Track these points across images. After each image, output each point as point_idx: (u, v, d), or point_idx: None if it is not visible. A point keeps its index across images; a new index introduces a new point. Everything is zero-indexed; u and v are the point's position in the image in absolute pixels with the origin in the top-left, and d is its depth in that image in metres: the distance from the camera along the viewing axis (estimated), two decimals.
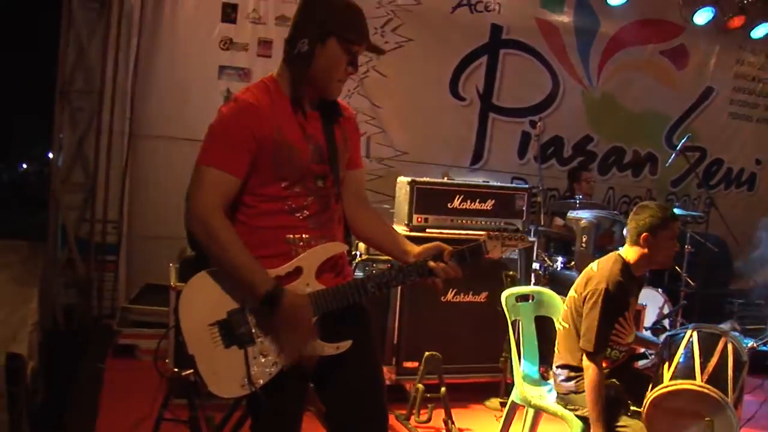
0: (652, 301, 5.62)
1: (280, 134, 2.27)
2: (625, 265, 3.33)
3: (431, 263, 2.35)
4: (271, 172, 2.27)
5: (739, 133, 8.45)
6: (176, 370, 4.16)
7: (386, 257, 4.55)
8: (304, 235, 2.32)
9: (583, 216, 5.43)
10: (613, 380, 3.29)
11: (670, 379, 2.98)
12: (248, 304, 2.25)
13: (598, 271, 3.34)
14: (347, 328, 2.36)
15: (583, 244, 5.42)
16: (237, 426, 3.63)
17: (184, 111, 6.01)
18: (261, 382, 2.22)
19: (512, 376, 3.80)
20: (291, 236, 2.30)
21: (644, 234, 3.28)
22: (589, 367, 3.17)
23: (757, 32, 7.70)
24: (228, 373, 2.21)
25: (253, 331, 2.24)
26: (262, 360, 2.23)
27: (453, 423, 4.19)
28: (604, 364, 3.27)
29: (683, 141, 6.30)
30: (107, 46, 5.68)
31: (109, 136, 5.73)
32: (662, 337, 3.66)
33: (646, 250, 3.30)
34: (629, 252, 3.36)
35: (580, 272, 5.33)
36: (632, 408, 3.13)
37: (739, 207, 8.53)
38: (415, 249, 2.43)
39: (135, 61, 5.79)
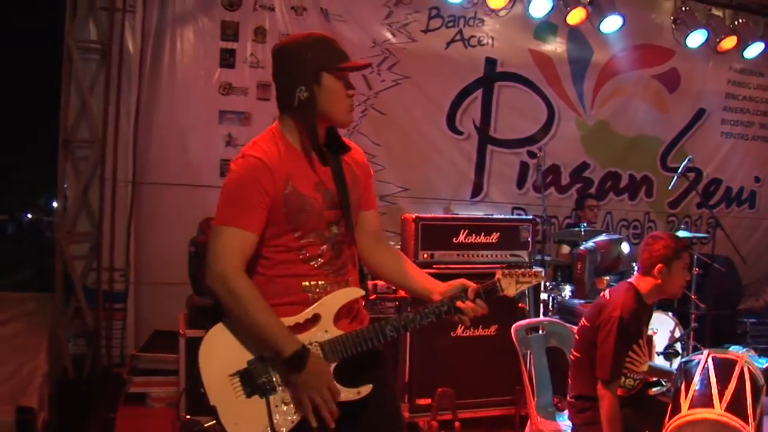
0: (662, 325, 5.61)
1: (291, 186, 2.30)
2: (638, 294, 3.35)
3: (460, 303, 2.38)
4: (285, 224, 2.30)
5: (734, 152, 8.47)
6: (188, 417, 4.17)
7: (393, 296, 4.62)
8: (320, 282, 2.34)
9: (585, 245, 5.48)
10: (629, 409, 3.29)
11: (688, 408, 2.96)
12: (267, 354, 2.27)
13: (611, 299, 3.35)
14: (367, 372, 2.38)
15: (578, 271, 5.46)
16: None
17: (187, 157, 6.07)
18: (284, 430, 2.23)
19: (526, 408, 3.79)
20: (307, 283, 2.33)
21: (659, 265, 3.30)
22: (604, 396, 3.17)
23: (750, 51, 7.75)
24: (250, 423, 2.22)
25: (274, 380, 2.26)
26: (284, 408, 2.25)
27: None
28: (619, 393, 3.28)
29: (685, 163, 6.36)
30: (108, 96, 5.71)
31: (113, 184, 5.75)
32: (675, 363, 3.66)
33: (659, 281, 3.32)
34: (641, 282, 3.38)
35: (580, 299, 5.41)
36: None
37: (742, 226, 8.54)
38: (440, 286, 2.47)
39: (136, 110, 5.82)
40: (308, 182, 2.34)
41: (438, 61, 6.87)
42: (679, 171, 6.36)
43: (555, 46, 7.34)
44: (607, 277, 5.45)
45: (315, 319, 2.31)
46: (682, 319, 5.98)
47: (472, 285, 2.42)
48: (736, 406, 2.91)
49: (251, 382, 2.24)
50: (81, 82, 5.67)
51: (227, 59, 6.18)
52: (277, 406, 2.24)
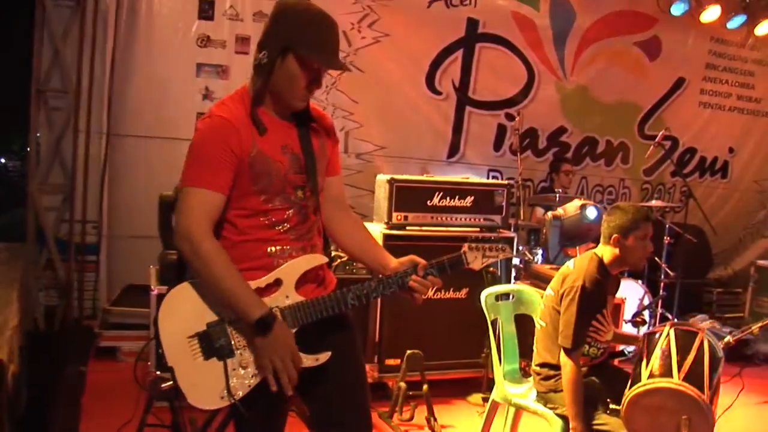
0: (631, 292, 5.70)
1: (256, 147, 2.26)
2: (601, 263, 3.38)
3: (411, 280, 2.37)
4: (250, 186, 2.27)
5: (711, 122, 8.51)
6: (158, 373, 4.20)
7: None
8: (285, 247, 2.34)
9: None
10: (592, 378, 3.35)
11: (648, 377, 3.03)
12: (228, 317, 2.26)
13: (575, 268, 3.39)
14: (328, 336, 2.38)
15: (543, 237, 5.56)
16: (220, 428, 3.66)
17: (162, 109, 6.00)
18: (240, 393, 2.24)
19: (493, 372, 3.85)
20: (272, 249, 2.32)
21: (615, 235, 3.34)
22: (566, 364, 3.22)
23: (732, 23, 7.76)
24: (207, 385, 2.22)
25: (233, 343, 2.26)
26: (242, 372, 2.25)
27: (435, 420, 4.24)
28: (582, 362, 3.34)
29: (662, 133, 6.41)
30: (83, 45, 5.61)
31: (87, 135, 5.69)
32: (642, 330, 3.71)
33: (617, 251, 3.35)
34: (604, 251, 3.41)
35: (549, 263, 5.47)
36: (611, 405, 3.19)
37: (714, 195, 8.65)
38: (392, 262, 2.46)
39: (111, 60, 5.73)
40: (275, 145, 2.31)
41: (419, 20, 6.81)
42: (655, 141, 6.41)
43: (538, 9, 7.28)
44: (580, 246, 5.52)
45: (277, 283, 2.31)
46: (651, 287, 6.08)
47: (421, 261, 2.40)
48: (693, 377, 2.99)
49: (209, 344, 2.24)
50: (54, 29, 5.56)
51: (206, 11, 6.08)
52: (234, 369, 2.24)
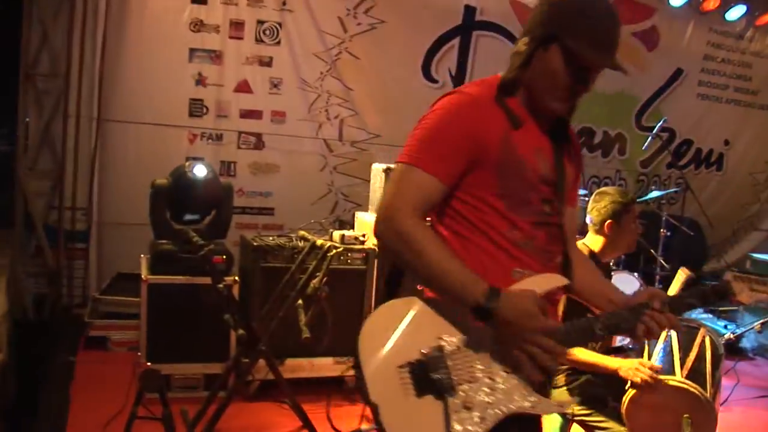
0: (628, 286, 5.63)
1: (509, 141, 1.90)
2: (591, 254, 3.32)
3: (646, 314, 1.92)
4: (492, 186, 1.90)
5: (708, 114, 8.51)
6: (149, 364, 4.13)
7: (361, 247, 4.56)
8: (531, 272, 1.93)
9: None
10: (592, 375, 3.30)
11: None
12: (448, 342, 1.83)
13: None
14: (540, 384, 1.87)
15: None
16: (212, 421, 3.60)
17: (154, 95, 5.89)
18: None
19: None
20: (519, 269, 1.92)
21: (608, 222, 3.27)
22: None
23: (732, 14, 7.74)
24: (421, 429, 1.77)
25: (454, 378, 1.79)
26: (465, 414, 1.76)
27: None
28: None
29: (660, 124, 6.37)
30: (72, 28, 5.50)
31: (77, 120, 5.59)
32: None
33: (611, 238, 3.29)
34: (593, 241, 3.34)
35: None
36: (612, 403, 3.14)
37: (709, 187, 8.66)
38: (621, 295, 2.08)
39: (102, 44, 5.61)
40: (529, 144, 1.93)
41: (416, 7, 6.74)
42: (654, 131, 6.36)
43: None
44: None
45: None
46: (647, 279, 6.04)
47: (661, 294, 1.99)
48: (695, 374, 2.96)
49: (425, 377, 1.78)
50: (43, 11, 5.44)
51: None
52: (456, 411, 1.76)
